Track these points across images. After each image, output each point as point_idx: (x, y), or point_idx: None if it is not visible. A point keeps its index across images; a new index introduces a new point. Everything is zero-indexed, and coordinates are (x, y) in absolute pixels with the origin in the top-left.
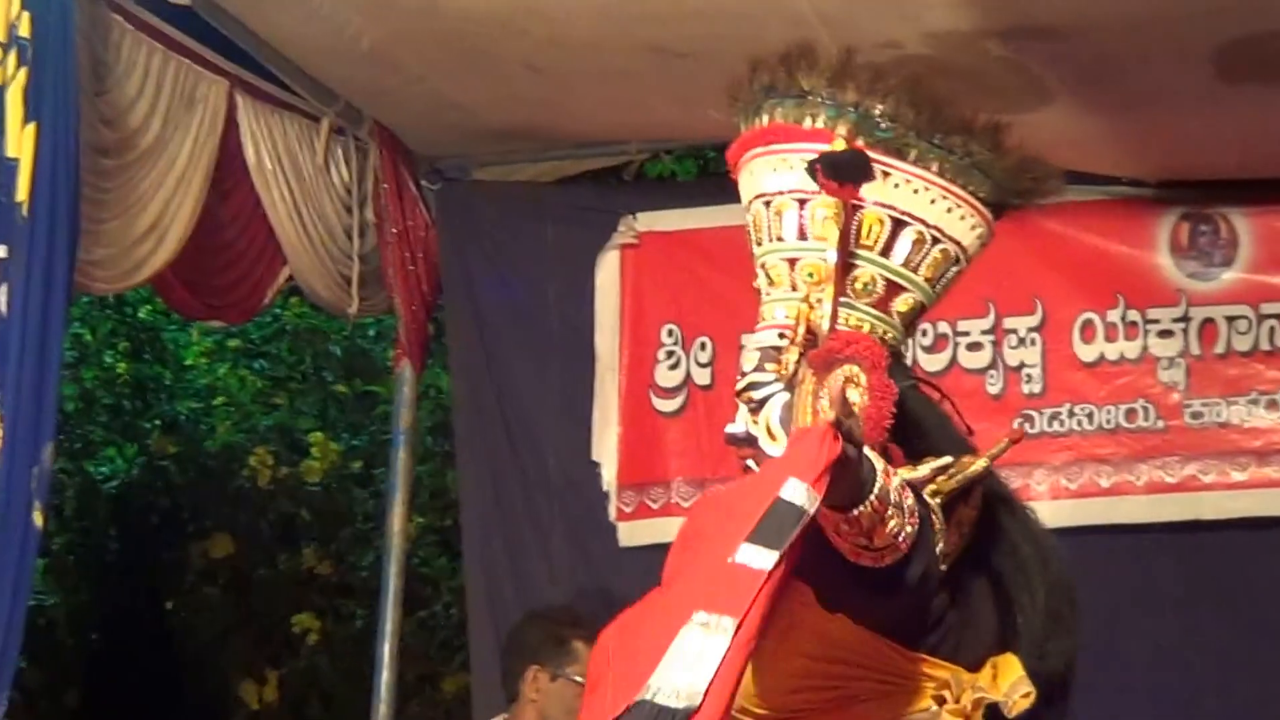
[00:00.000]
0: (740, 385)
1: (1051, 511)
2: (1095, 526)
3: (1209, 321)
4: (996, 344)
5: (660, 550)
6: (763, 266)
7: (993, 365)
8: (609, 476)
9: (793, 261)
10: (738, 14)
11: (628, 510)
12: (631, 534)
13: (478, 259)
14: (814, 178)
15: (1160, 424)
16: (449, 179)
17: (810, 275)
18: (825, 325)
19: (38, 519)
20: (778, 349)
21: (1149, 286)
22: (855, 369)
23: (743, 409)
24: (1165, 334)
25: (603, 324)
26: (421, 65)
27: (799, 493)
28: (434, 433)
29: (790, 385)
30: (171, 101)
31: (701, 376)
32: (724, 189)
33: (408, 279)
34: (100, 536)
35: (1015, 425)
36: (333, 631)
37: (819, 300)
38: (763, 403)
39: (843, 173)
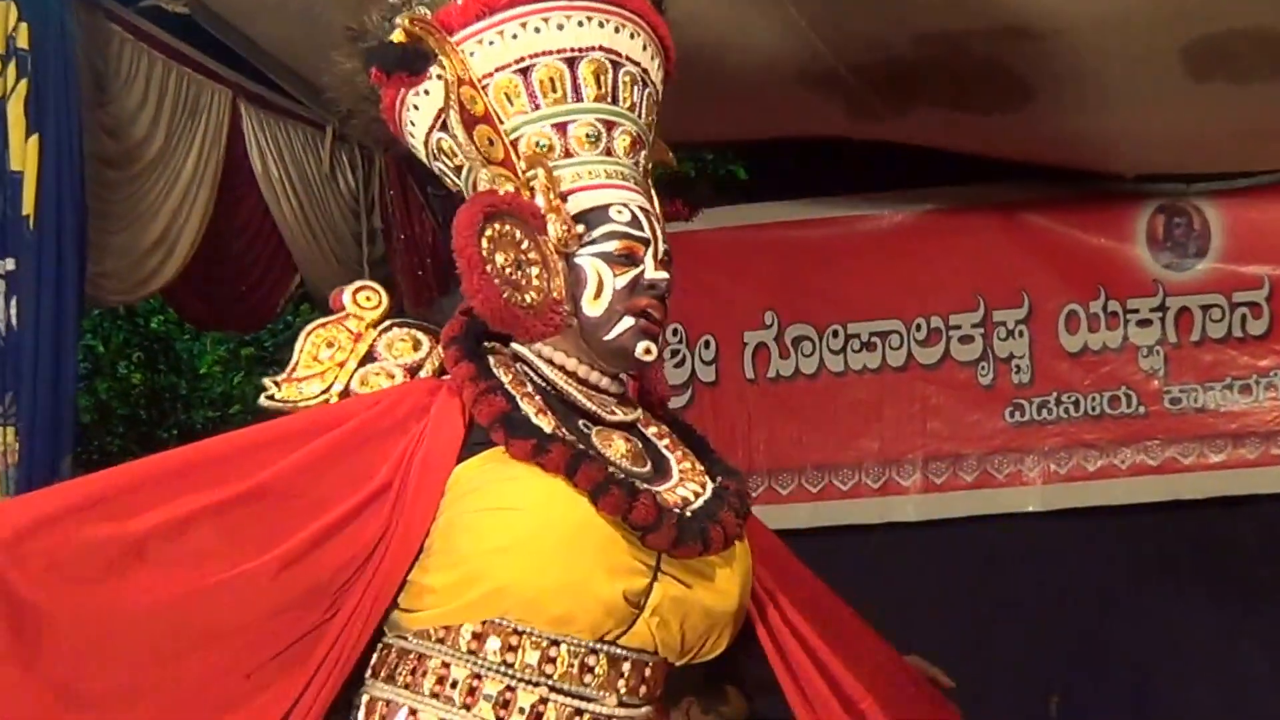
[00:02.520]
0: (650, 235)
1: (1043, 495)
2: (1084, 509)
3: (1185, 310)
4: (986, 336)
5: None
6: (606, 124)
7: (983, 357)
8: None
9: (639, 140)
10: (727, 20)
11: None
12: None
13: None
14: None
15: (1142, 410)
16: None
17: (634, 164)
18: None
19: None
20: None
21: (1128, 278)
22: None
23: (650, 259)
24: (1144, 323)
25: None
26: None
27: None
28: None
29: None
30: (175, 111)
31: (706, 374)
32: (724, 192)
33: (416, 284)
34: None
35: (1006, 414)
36: None
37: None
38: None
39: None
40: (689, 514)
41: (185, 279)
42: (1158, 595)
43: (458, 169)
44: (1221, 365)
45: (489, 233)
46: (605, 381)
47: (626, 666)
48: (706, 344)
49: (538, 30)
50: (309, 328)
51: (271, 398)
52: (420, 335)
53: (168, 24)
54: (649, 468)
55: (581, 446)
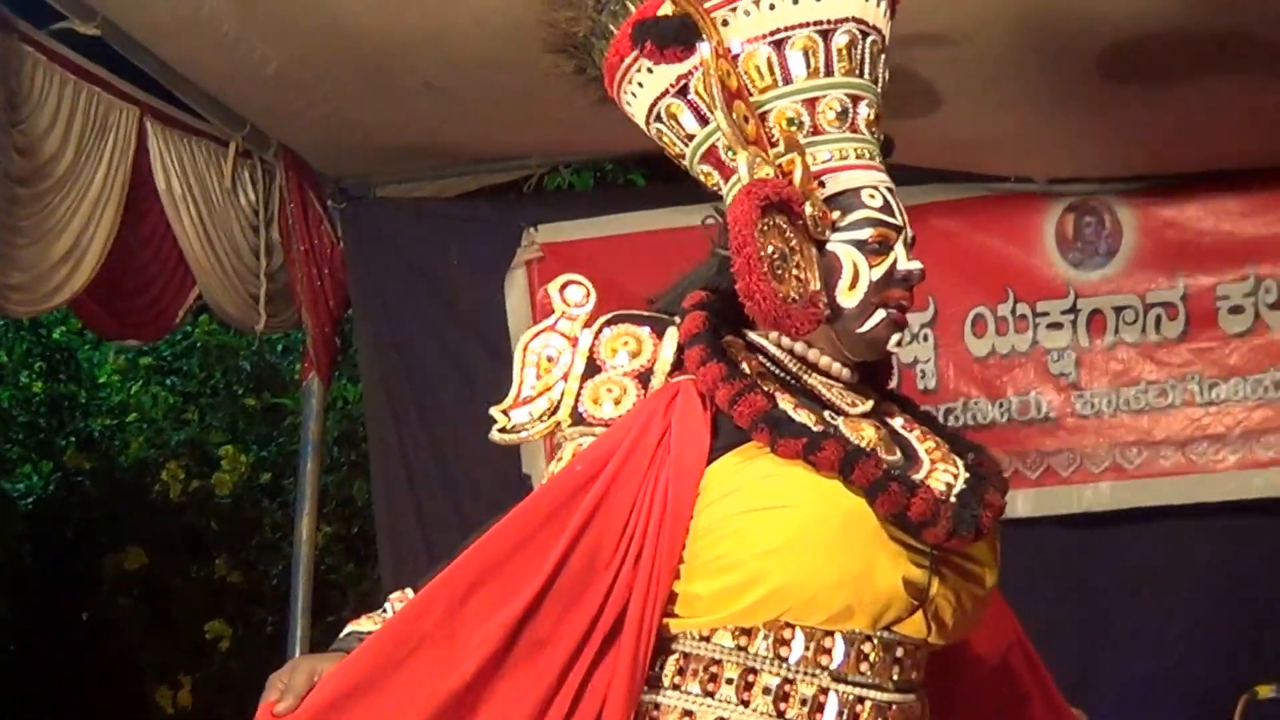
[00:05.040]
0: (902, 221)
1: None
2: None
3: (1096, 313)
4: None
5: None
6: (853, 98)
7: None
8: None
9: (880, 114)
10: None
11: None
12: None
13: (385, 274)
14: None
15: (1052, 416)
16: (353, 197)
17: (875, 139)
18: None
19: None
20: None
21: (1037, 280)
22: None
23: (902, 247)
24: (1055, 326)
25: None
26: (325, 88)
27: None
28: (340, 443)
29: None
30: (84, 130)
31: None
32: (622, 199)
33: (315, 295)
34: (17, 552)
35: None
36: (244, 638)
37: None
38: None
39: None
40: (954, 500)
41: (90, 291)
42: (1066, 612)
43: (688, 137)
44: (1135, 369)
45: (761, 225)
46: (846, 372)
47: (900, 652)
48: None
49: (795, 1)
50: (524, 340)
51: (503, 430)
52: (639, 333)
53: (78, 44)
54: (899, 455)
55: (853, 441)
